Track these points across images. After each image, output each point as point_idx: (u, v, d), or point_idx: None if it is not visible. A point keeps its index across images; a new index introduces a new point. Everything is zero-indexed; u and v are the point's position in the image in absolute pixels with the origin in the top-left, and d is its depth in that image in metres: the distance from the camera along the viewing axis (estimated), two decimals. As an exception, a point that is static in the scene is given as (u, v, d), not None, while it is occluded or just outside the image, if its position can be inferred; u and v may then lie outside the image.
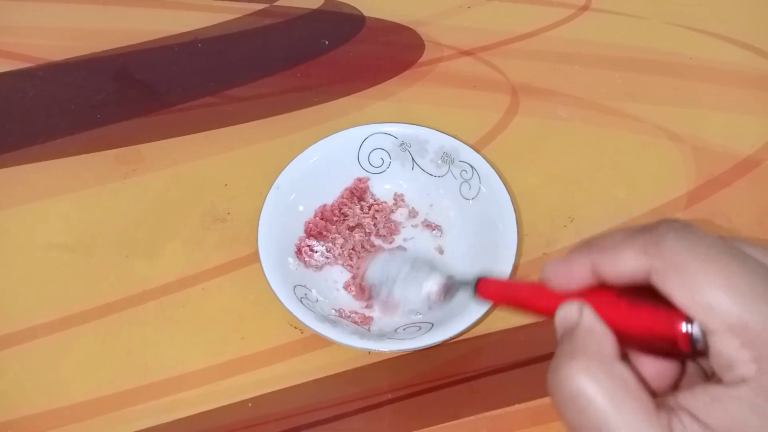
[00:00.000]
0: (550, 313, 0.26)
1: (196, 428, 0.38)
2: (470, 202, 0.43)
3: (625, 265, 0.23)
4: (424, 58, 0.55)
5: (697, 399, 0.21)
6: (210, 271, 0.44)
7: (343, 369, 0.40)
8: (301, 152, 0.44)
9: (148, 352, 0.41)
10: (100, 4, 0.59)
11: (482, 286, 0.30)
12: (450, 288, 0.34)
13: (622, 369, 0.22)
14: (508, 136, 0.50)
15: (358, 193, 0.45)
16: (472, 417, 0.38)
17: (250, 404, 0.39)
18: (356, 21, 0.58)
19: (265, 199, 0.42)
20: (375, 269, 0.37)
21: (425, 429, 0.38)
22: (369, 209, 0.45)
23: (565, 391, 0.22)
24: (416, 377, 0.40)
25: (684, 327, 0.21)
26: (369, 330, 0.39)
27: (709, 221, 0.46)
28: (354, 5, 0.59)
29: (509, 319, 0.41)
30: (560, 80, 0.54)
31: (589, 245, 0.24)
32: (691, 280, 0.21)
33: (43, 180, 0.48)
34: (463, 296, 0.39)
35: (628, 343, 0.24)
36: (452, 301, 0.35)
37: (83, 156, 0.50)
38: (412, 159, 0.45)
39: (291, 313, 0.37)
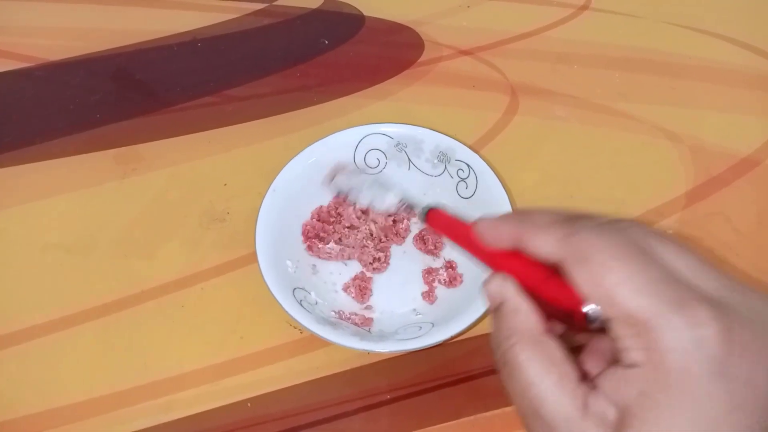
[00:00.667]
0: (481, 258, 0.29)
1: (194, 428, 0.38)
2: (467, 200, 0.43)
3: (543, 247, 0.25)
4: (424, 57, 0.55)
5: (606, 378, 0.23)
6: (208, 271, 0.44)
7: (341, 369, 0.40)
8: (297, 154, 0.43)
9: (146, 352, 0.41)
10: (99, 3, 0.59)
11: (432, 216, 0.33)
12: (405, 206, 0.37)
13: (548, 342, 0.25)
14: (507, 135, 0.50)
15: None
16: (471, 417, 0.38)
17: (248, 404, 0.39)
18: (356, 21, 0.58)
19: (261, 202, 0.42)
20: (342, 179, 0.40)
21: (424, 429, 0.38)
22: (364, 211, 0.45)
23: (506, 366, 0.25)
24: (415, 377, 0.40)
25: (584, 307, 0.23)
26: (369, 331, 0.39)
27: (707, 221, 0.46)
28: (354, 5, 0.59)
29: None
30: (559, 80, 0.54)
31: (520, 217, 0.27)
32: (596, 272, 0.23)
33: (42, 180, 0.48)
34: (465, 297, 0.39)
35: (542, 308, 0.26)
36: (440, 307, 0.37)
37: (82, 156, 0.50)
38: (408, 159, 0.45)
39: (291, 316, 0.37)
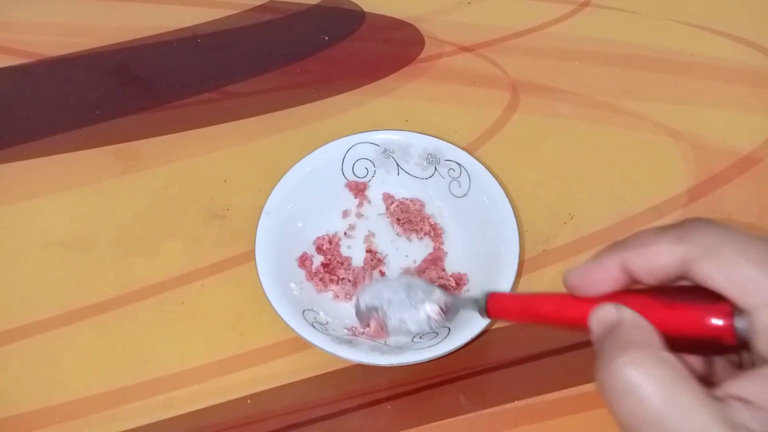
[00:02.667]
0: (575, 323, 0.25)
1: (194, 425, 0.38)
2: (462, 199, 0.43)
3: (659, 258, 0.23)
4: (424, 54, 0.55)
5: (748, 383, 0.21)
6: (209, 268, 0.44)
7: (341, 366, 0.40)
8: (284, 175, 0.42)
9: (146, 348, 0.41)
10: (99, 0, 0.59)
11: (494, 304, 0.29)
12: (450, 308, 0.33)
13: (672, 358, 0.22)
14: (507, 132, 0.50)
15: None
16: (471, 414, 0.38)
17: (248, 401, 0.39)
18: (356, 17, 0.58)
19: (257, 227, 0.40)
20: (368, 295, 0.36)
21: (424, 426, 0.38)
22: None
23: (616, 386, 0.22)
24: (415, 374, 0.40)
25: (729, 320, 0.22)
26: (386, 343, 0.38)
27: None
28: (354, 0, 0.59)
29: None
30: (560, 77, 0.53)
31: (618, 244, 0.24)
32: (727, 262, 0.21)
33: (42, 176, 0.48)
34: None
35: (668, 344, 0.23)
36: (456, 319, 0.35)
37: (82, 152, 0.49)
38: (397, 164, 0.45)
39: (307, 340, 0.36)
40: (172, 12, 0.58)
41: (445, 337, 0.37)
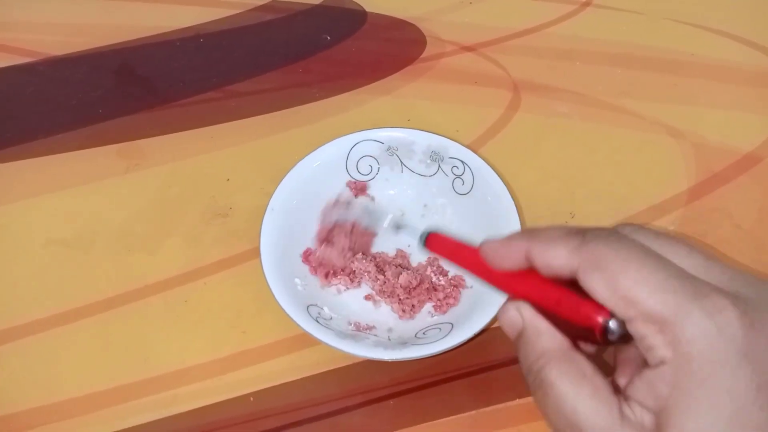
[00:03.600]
0: (489, 280, 0.29)
1: (197, 422, 0.38)
2: (465, 197, 0.43)
3: (556, 259, 0.25)
4: (426, 53, 0.55)
5: (635, 384, 0.24)
6: (211, 266, 0.44)
7: (343, 364, 0.40)
8: (289, 171, 0.43)
9: (148, 346, 0.41)
10: (101, -2, 0.59)
11: (433, 240, 0.33)
12: (401, 227, 0.38)
13: (577, 357, 0.26)
14: (509, 132, 0.50)
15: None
16: (473, 412, 0.39)
17: (251, 398, 0.39)
18: (358, 16, 0.58)
19: (261, 223, 0.41)
20: (333, 214, 0.40)
21: (426, 424, 0.38)
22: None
23: (539, 387, 0.26)
24: (416, 372, 0.40)
25: (605, 319, 0.24)
26: (389, 339, 0.39)
27: (708, 218, 0.46)
28: (356, 0, 0.59)
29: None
30: (561, 76, 0.54)
31: (528, 234, 0.27)
32: (612, 277, 0.24)
33: (44, 175, 0.48)
34: (479, 293, 0.39)
35: (560, 327, 0.27)
36: (457, 307, 0.37)
37: (84, 151, 0.50)
38: (401, 162, 0.45)
39: (311, 335, 0.37)
40: (174, 11, 0.58)
41: (448, 334, 0.37)
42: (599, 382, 0.25)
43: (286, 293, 0.38)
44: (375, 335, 0.39)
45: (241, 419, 0.38)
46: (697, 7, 0.58)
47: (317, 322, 0.37)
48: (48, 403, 0.39)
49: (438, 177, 0.44)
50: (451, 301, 0.40)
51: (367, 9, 0.58)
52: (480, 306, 0.38)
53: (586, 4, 0.58)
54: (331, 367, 0.40)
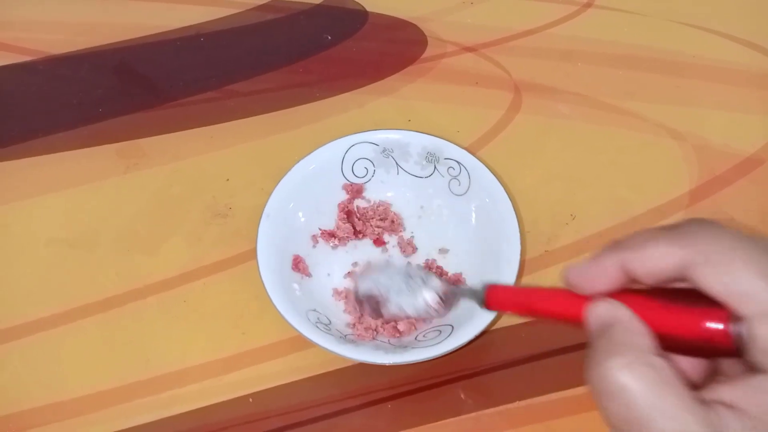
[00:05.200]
0: (573, 319, 0.25)
1: (196, 423, 0.38)
2: (462, 197, 0.43)
3: (659, 260, 0.23)
4: (427, 54, 0.55)
5: (737, 390, 0.22)
6: (211, 267, 0.44)
7: (343, 365, 0.40)
8: (284, 176, 0.42)
9: (148, 346, 0.41)
10: (102, -3, 0.59)
11: (493, 295, 0.29)
12: (450, 296, 0.33)
13: (661, 363, 0.22)
14: (510, 133, 0.50)
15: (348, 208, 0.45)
16: (473, 414, 0.39)
17: (250, 399, 0.39)
18: (359, 16, 0.58)
19: (257, 231, 0.40)
20: (366, 282, 0.36)
21: (426, 425, 0.38)
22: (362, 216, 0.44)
23: (606, 387, 0.22)
24: (417, 374, 0.40)
25: (726, 326, 0.22)
26: (389, 342, 0.38)
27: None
28: (357, 0, 0.59)
29: (511, 316, 0.41)
30: (563, 77, 0.54)
31: (618, 244, 0.24)
32: (725, 270, 0.22)
33: (44, 174, 0.48)
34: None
35: (662, 345, 0.24)
36: (457, 308, 0.35)
37: (84, 150, 0.50)
38: (396, 164, 0.45)
39: (312, 341, 0.36)
40: (175, 11, 0.58)
41: (448, 336, 0.37)
42: (683, 389, 0.22)
43: (285, 299, 0.38)
44: (373, 339, 0.39)
45: (240, 420, 0.38)
46: (699, 9, 0.58)
47: (317, 327, 0.37)
48: (49, 403, 0.39)
49: (434, 178, 0.44)
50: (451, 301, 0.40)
51: (368, 9, 0.58)
52: (476, 309, 0.37)
53: (588, 5, 0.58)
54: (330, 369, 0.40)
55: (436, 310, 0.34)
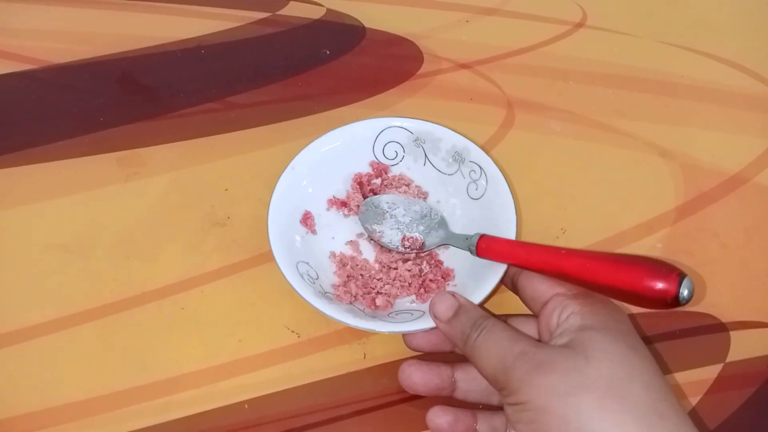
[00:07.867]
0: (549, 268, 0.35)
1: (192, 429, 0.39)
2: (476, 201, 0.44)
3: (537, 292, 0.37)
4: (423, 70, 0.56)
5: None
6: (209, 275, 0.44)
7: (337, 373, 0.41)
8: (319, 137, 0.45)
9: (145, 353, 0.41)
10: (105, 8, 0.60)
11: (484, 244, 0.38)
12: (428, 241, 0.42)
13: (495, 319, 0.35)
14: (503, 148, 0.51)
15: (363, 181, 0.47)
16: (464, 422, 0.39)
17: (246, 406, 0.40)
18: (357, 32, 0.59)
19: (279, 177, 0.43)
20: (387, 197, 0.45)
21: (418, 433, 0.39)
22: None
23: (480, 346, 0.34)
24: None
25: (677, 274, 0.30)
26: (363, 311, 0.40)
27: (695, 236, 0.47)
28: (355, 16, 0.60)
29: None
30: (555, 95, 0.55)
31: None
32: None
33: (44, 181, 0.49)
34: (460, 286, 0.42)
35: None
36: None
37: (85, 158, 0.50)
38: (425, 155, 0.46)
39: (291, 285, 0.38)
40: (176, 23, 0.59)
41: (416, 319, 0.38)
42: (518, 331, 0.34)
43: (282, 243, 0.40)
44: (350, 303, 0.40)
45: (236, 426, 0.39)
46: (688, 31, 0.60)
47: (302, 277, 0.39)
48: (45, 408, 0.40)
49: (456, 177, 0.45)
50: (434, 292, 0.42)
51: (366, 25, 0.59)
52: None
53: (580, 25, 0.60)
54: (326, 376, 0.41)
55: (404, 247, 0.43)
